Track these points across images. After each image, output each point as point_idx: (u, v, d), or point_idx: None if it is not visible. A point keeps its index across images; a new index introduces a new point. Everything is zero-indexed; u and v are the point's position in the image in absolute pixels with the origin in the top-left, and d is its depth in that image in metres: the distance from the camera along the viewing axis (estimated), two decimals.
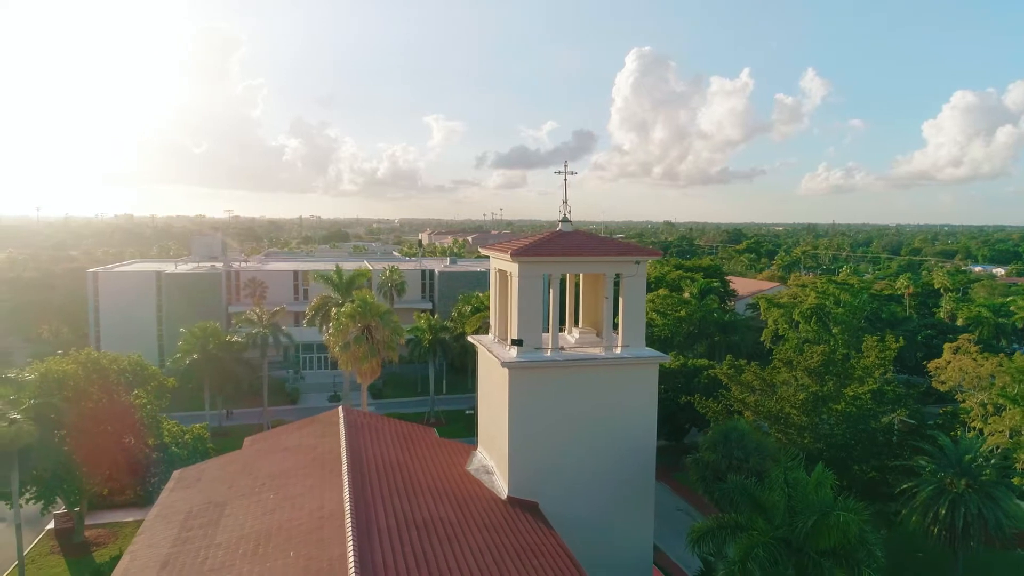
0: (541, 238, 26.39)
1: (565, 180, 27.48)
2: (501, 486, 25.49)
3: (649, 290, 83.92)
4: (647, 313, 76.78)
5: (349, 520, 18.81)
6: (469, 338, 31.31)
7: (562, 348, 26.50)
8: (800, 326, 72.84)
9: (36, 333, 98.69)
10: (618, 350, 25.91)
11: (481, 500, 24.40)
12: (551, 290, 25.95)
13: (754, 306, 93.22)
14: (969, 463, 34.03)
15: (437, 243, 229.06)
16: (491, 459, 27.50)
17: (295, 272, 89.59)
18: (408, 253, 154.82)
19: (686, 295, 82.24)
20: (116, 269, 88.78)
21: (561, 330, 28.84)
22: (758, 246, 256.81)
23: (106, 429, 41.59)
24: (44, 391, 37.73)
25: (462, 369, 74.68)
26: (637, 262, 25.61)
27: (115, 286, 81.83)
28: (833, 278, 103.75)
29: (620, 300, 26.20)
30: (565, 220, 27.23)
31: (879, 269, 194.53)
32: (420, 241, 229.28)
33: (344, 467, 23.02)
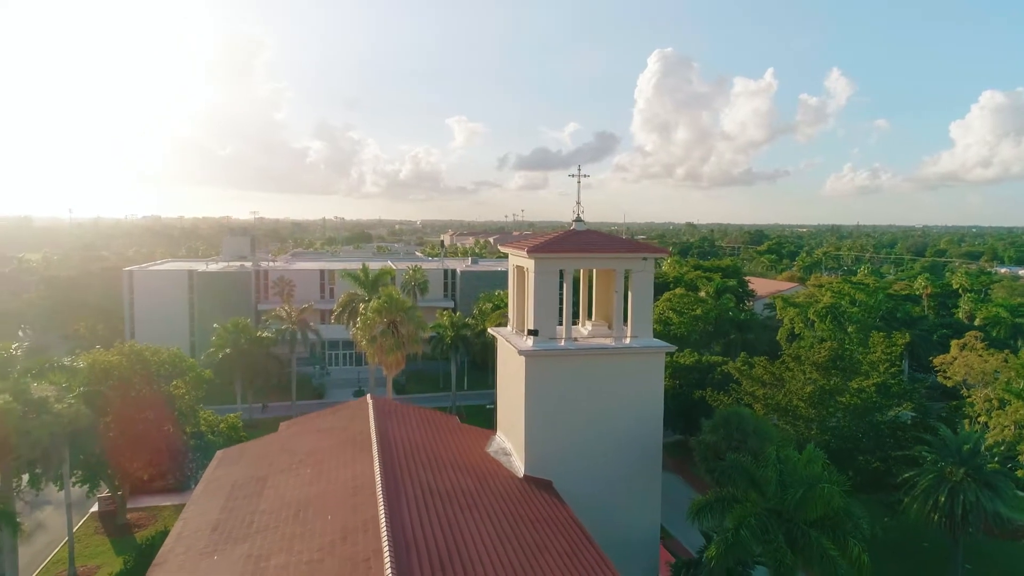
0: (556, 236, 28.39)
1: (579, 182, 29.48)
2: (518, 466, 27.49)
3: (666, 289, 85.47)
4: (664, 312, 78.30)
5: (380, 488, 20.91)
6: (490, 330, 33.39)
7: (575, 339, 28.46)
8: (815, 325, 74.05)
9: (73, 330, 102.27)
10: (627, 340, 27.82)
11: (499, 477, 26.44)
12: (564, 286, 27.94)
13: (771, 306, 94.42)
14: (968, 453, 35.43)
15: (459, 244, 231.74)
16: (509, 442, 29.51)
17: (321, 271, 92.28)
18: (430, 254, 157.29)
19: (702, 294, 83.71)
20: (150, 268, 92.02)
21: (575, 324, 30.81)
22: (780, 247, 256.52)
23: (147, 417, 44.15)
24: (93, 380, 40.36)
25: (483, 366, 76.74)
26: (645, 259, 27.52)
27: (149, 284, 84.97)
28: (850, 278, 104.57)
29: (629, 294, 28.11)
30: (579, 220, 29.18)
31: (902, 270, 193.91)
32: (442, 242, 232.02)
33: (374, 444, 25.13)
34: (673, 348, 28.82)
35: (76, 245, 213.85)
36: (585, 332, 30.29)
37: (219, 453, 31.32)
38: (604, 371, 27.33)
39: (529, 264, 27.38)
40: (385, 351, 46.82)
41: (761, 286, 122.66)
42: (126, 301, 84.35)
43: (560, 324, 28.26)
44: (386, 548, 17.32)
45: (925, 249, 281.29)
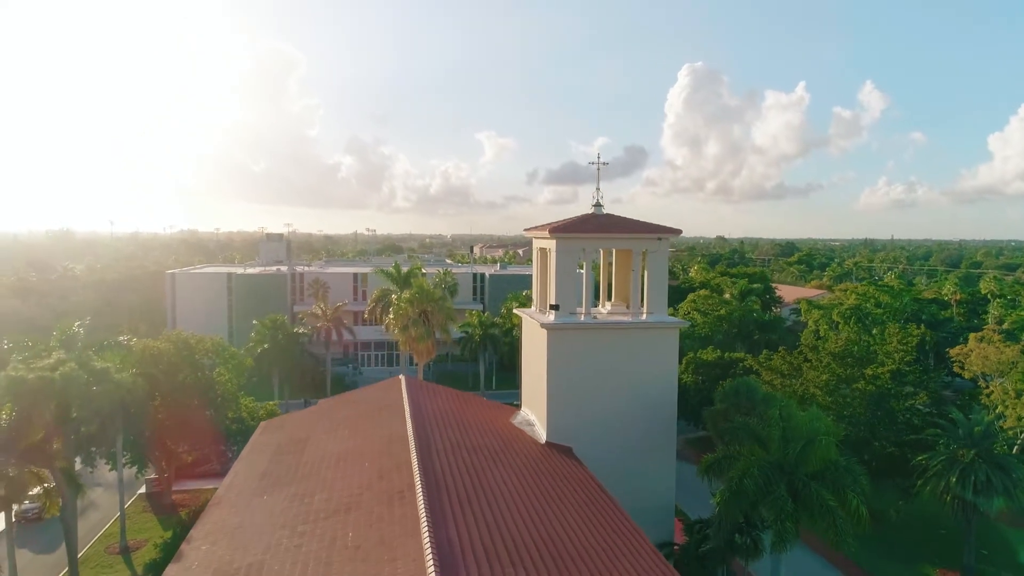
0: (577, 218, 30.36)
1: (598, 170, 31.46)
2: (540, 433, 29.33)
3: (691, 291, 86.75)
4: (688, 312, 79.45)
5: (411, 438, 22.95)
6: (515, 310, 35.40)
7: (594, 316, 30.30)
8: (840, 327, 74.84)
9: (117, 331, 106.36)
10: (643, 316, 29.61)
11: (522, 441, 28.33)
12: (584, 266, 29.85)
13: (797, 311, 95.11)
14: (980, 435, 36.47)
15: (488, 255, 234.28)
16: (532, 414, 31.37)
17: (355, 275, 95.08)
18: (460, 261, 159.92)
19: (727, 295, 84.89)
20: (191, 271, 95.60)
21: (596, 306, 32.67)
22: (810, 258, 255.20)
23: (193, 402, 46.78)
24: (144, 363, 43.05)
25: (511, 367, 78.60)
26: (660, 239, 29.33)
27: (190, 286, 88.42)
28: (876, 281, 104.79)
29: (645, 274, 29.92)
30: (597, 205, 31.11)
31: (935, 281, 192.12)
32: (471, 248, 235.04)
33: (406, 409, 27.19)
34: (686, 324, 30.52)
35: (118, 256, 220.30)
36: (604, 312, 32.13)
37: (262, 424, 33.66)
38: (621, 344, 29.11)
39: (551, 244, 29.35)
40: (416, 339, 49.13)
41: (788, 293, 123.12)
42: (168, 302, 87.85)
43: (580, 306, 30.12)
44: (419, 483, 19.30)
45: (960, 261, 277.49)
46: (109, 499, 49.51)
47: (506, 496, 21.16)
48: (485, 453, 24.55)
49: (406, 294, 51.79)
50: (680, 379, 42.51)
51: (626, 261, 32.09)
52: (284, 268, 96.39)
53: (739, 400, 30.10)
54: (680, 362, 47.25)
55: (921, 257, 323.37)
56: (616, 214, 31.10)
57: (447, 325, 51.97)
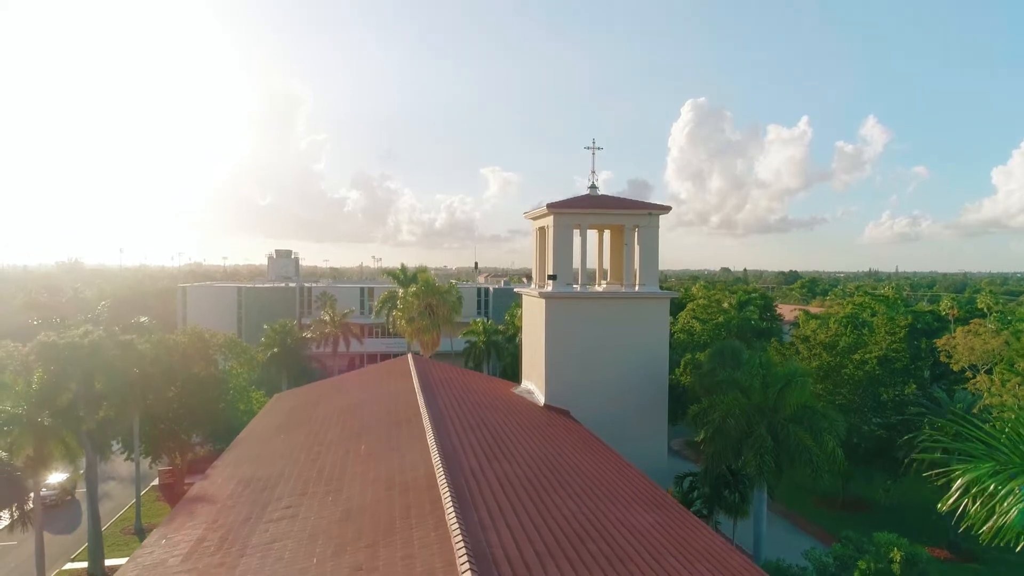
0: (573, 198, 32.40)
1: (593, 154, 33.55)
2: (539, 398, 31.04)
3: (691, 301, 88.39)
4: (687, 321, 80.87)
5: (417, 386, 24.74)
6: (515, 288, 37.26)
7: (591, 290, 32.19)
8: (830, 323, 76.25)
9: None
10: (636, 287, 31.49)
11: (523, 403, 30.05)
12: (580, 241, 31.82)
13: (796, 324, 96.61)
14: (962, 413, 37.96)
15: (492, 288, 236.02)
16: (532, 383, 33.10)
17: (361, 289, 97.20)
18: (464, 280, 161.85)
19: (725, 305, 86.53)
20: (202, 285, 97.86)
21: (591, 283, 34.57)
22: (813, 284, 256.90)
23: (206, 394, 48.51)
24: (160, 353, 44.88)
25: (514, 376, 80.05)
26: (650, 214, 31.33)
27: (201, 299, 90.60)
28: (870, 290, 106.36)
29: (637, 249, 31.86)
30: (592, 186, 33.17)
31: (935, 305, 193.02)
32: (476, 264, 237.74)
33: (412, 371, 28.98)
34: (676, 295, 32.39)
35: (124, 285, 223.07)
36: (600, 289, 34.02)
37: (275, 395, 35.42)
38: (615, 313, 30.96)
39: (549, 220, 31.36)
40: (422, 331, 51.16)
41: (789, 311, 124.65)
42: (179, 315, 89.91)
43: (577, 277, 32.04)
44: (424, 411, 21.08)
45: (964, 289, 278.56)
46: (122, 491, 51.04)
47: (507, 432, 22.89)
48: (486, 405, 26.31)
49: (412, 288, 53.96)
50: (679, 381, 44.29)
51: (619, 242, 34.04)
52: (293, 284, 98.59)
53: (724, 360, 31.84)
54: (679, 364, 48.89)
55: (925, 285, 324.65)
56: (609, 195, 33.15)
57: (452, 317, 54.00)
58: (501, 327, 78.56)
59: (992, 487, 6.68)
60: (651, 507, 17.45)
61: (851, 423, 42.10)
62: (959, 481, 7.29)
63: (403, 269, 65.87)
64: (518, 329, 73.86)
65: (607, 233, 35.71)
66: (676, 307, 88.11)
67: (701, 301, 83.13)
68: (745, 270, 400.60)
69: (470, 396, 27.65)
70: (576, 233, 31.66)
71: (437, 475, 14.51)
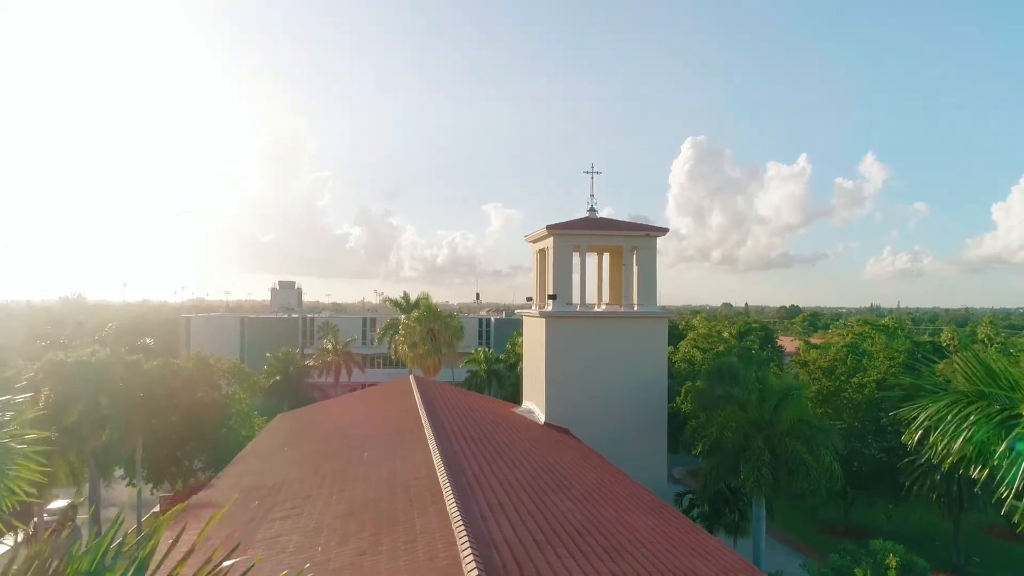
0: (572, 220, 33.08)
1: (592, 178, 34.30)
2: (539, 417, 31.35)
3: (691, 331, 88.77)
4: (688, 351, 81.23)
5: (419, 401, 25.14)
6: (516, 311, 37.74)
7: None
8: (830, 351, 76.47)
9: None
10: (634, 307, 31.99)
11: (524, 422, 30.39)
12: (579, 263, 32.42)
13: (797, 354, 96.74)
14: None
15: (494, 317, 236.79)
16: (532, 403, 33.43)
17: (364, 319, 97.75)
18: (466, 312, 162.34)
19: (725, 335, 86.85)
20: (205, 315, 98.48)
21: (591, 305, 35.07)
22: (815, 318, 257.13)
23: (209, 419, 48.76)
24: (164, 377, 45.28)
25: (516, 403, 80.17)
26: (647, 235, 31.97)
27: (205, 328, 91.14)
28: (870, 320, 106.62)
29: (636, 270, 32.43)
30: (592, 209, 33.86)
31: (935, 337, 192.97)
32: (477, 295, 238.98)
33: (414, 389, 29.37)
34: (673, 314, 32.85)
35: (124, 319, 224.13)
36: (599, 309, 34.52)
37: (278, 416, 35.78)
38: (614, 332, 31.42)
39: (549, 242, 31.99)
40: (423, 356, 51.62)
41: (790, 343, 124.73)
42: (183, 344, 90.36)
43: (576, 296, 32.56)
44: (426, 423, 21.46)
45: (966, 323, 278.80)
46: (124, 515, 51.01)
47: (505, 441, 23.24)
48: (487, 420, 26.68)
49: (414, 313, 54.58)
50: (679, 408, 44.44)
51: (618, 265, 34.62)
52: (295, 315, 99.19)
53: (722, 378, 32.20)
54: (679, 393, 49.12)
55: (927, 320, 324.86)
56: (607, 217, 33.84)
57: (453, 342, 54.52)
58: (502, 356, 78.92)
59: (948, 416, 7.13)
60: (649, 511, 17.76)
61: (852, 448, 42.23)
62: (920, 416, 7.73)
63: (405, 297, 66.51)
64: (519, 357, 74.24)
65: (606, 256, 36.31)
66: (677, 337, 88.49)
67: (701, 331, 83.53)
68: (747, 305, 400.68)
69: (471, 413, 28.01)
70: (576, 256, 32.27)
71: (438, 473, 14.89)
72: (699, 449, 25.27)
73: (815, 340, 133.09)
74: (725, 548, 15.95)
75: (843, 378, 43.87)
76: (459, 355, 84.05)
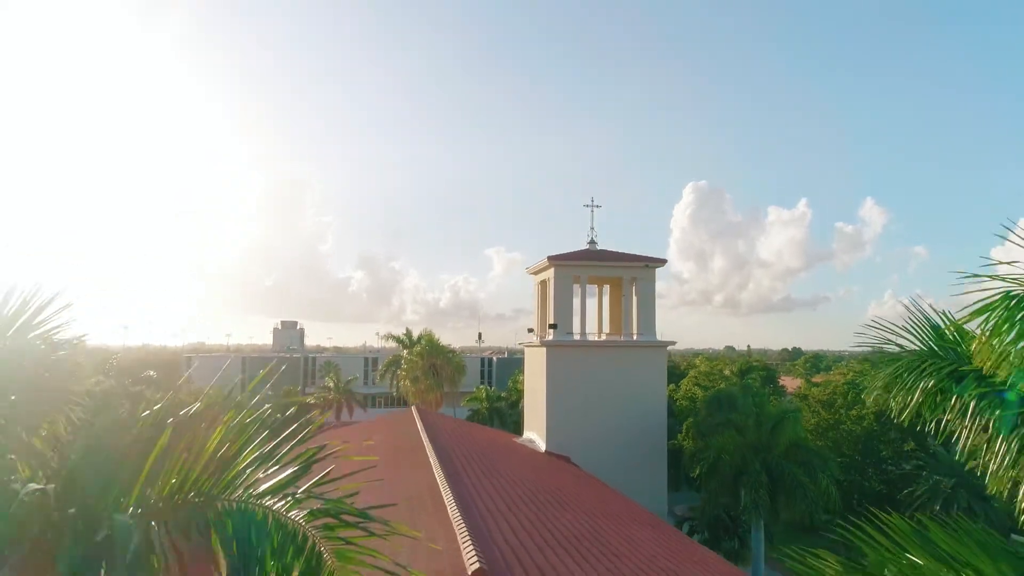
0: (572, 251, 33.80)
1: (592, 212, 35.11)
2: (540, 445, 31.62)
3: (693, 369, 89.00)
4: (689, 389, 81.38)
5: (421, 427, 25.49)
6: (517, 343, 38.24)
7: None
8: (837, 401, 76.54)
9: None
10: (634, 336, 32.49)
11: (525, 449, 30.65)
12: (579, 294, 33.03)
13: (800, 395, 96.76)
14: (959, 466, 38.25)
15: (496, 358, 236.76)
16: (533, 433, 33.71)
17: (366, 359, 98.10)
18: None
19: (727, 372, 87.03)
20: (206, 355, 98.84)
21: (592, 335, 35.60)
22: (817, 360, 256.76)
23: None
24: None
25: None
26: (646, 266, 32.62)
27: (206, 367, 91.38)
28: (870, 358, 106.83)
29: (635, 300, 33.01)
30: (592, 242, 34.59)
31: None
32: (480, 334, 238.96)
33: (416, 419, 29.72)
34: (674, 343, 33.35)
35: (128, 355, 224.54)
36: (599, 339, 35.01)
37: None
38: (614, 361, 31.87)
39: (550, 273, 32.65)
40: (425, 390, 51.87)
41: (791, 383, 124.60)
42: (183, 383, 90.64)
43: (576, 326, 33.09)
44: (428, 446, 21.82)
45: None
46: None
47: (506, 465, 23.54)
48: (487, 443, 26.98)
49: (417, 348, 54.97)
50: (680, 444, 44.53)
51: (618, 296, 35.22)
52: (297, 354, 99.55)
53: (720, 405, 32.48)
54: (681, 429, 49.31)
55: None
56: (607, 249, 34.56)
57: (456, 377, 54.83)
58: (504, 394, 79.02)
59: (905, 374, 7.64)
60: (647, 526, 18.05)
61: (852, 480, 42.31)
62: (880, 377, 8.25)
63: (408, 333, 67.02)
64: (521, 395, 74.36)
65: (606, 288, 36.91)
66: (679, 376, 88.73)
67: (703, 368, 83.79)
68: (749, 347, 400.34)
69: (473, 440, 28.32)
70: (576, 286, 32.88)
71: (439, 483, 15.28)
72: (697, 471, 25.51)
73: (817, 380, 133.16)
74: (721, 560, 16.24)
75: (842, 411, 44.11)
76: (461, 394, 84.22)
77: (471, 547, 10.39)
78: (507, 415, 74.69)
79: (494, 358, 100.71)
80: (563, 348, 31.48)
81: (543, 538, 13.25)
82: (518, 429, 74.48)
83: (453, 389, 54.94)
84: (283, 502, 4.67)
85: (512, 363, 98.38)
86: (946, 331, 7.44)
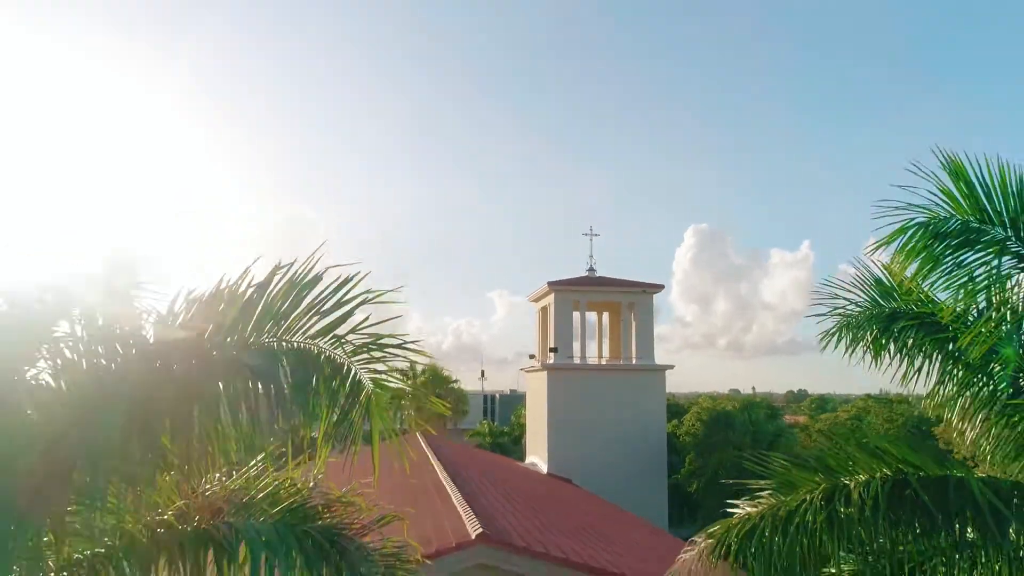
0: (572, 278, 34.70)
1: (591, 240, 36.08)
2: (542, 468, 32.08)
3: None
4: (693, 423, 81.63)
5: (424, 443, 26.11)
6: (520, 368, 38.95)
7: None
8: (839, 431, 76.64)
9: None
10: (632, 360, 33.19)
11: (527, 471, 31.17)
12: (579, 319, 33.85)
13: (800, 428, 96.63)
14: None
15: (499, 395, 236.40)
16: (535, 456, 34.18)
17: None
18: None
19: (730, 408, 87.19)
20: None
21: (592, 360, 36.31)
22: (823, 401, 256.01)
23: None
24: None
25: None
26: (644, 291, 33.47)
27: None
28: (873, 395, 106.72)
29: (633, 325, 33.78)
30: (591, 269, 35.49)
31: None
32: (482, 372, 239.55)
33: (420, 439, 30.29)
34: (672, 367, 34.04)
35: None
36: (599, 363, 35.69)
37: None
38: (614, 384, 32.54)
39: (550, 298, 33.51)
40: (427, 420, 52.47)
41: (795, 420, 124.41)
42: None
43: (577, 351, 33.82)
44: (431, 454, 22.45)
45: None
46: None
47: (508, 480, 24.10)
48: (489, 462, 27.56)
49: (420, 378, 55.58)
50: (680, 476, 44.83)
51: (617, 322, 35.98)
52: None
53: (718, 426, 33.01)
54: (683, 463, 49.64)
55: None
56: (606, 276, 35.47)
57: (459, 407, 55.24)
58: (507, 429, 79.17)
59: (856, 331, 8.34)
60: (647, 532, 18.59)
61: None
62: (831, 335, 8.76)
63: (412, 367, 67.97)
64: (523, 429, 74.60)
65: (606, 315, 37.68)
66: (681, 411, 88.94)
67: (706, 405, 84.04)
68: (754, 389, 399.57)
69: (475, 460, 28.87)
70: (575, 312, 33.68)
71: (443, 480, 15.93)
72: (695, 487, 25.99)
73: (822, 418, 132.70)
74: None
75: (843, 439, 44.50)
76: (462, 431, 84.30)
77: (474, 517, 11.07)
78: (510, 450, 74.81)
79: (497, 395, 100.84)
80: (564, 371, 32.16)
81: (543, 524, 13.88)
82: (521, 460, 74.66)
83: (456, 424, 55.28)
84: (331, 341, 5.67)
85: (515, 399, 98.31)
86: (884, 279, 8.18)
